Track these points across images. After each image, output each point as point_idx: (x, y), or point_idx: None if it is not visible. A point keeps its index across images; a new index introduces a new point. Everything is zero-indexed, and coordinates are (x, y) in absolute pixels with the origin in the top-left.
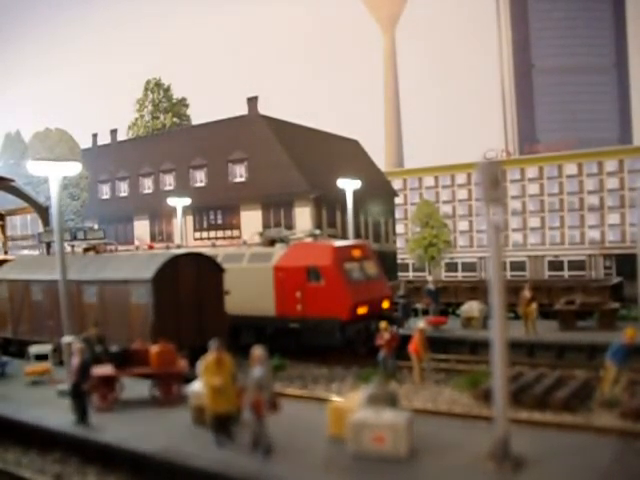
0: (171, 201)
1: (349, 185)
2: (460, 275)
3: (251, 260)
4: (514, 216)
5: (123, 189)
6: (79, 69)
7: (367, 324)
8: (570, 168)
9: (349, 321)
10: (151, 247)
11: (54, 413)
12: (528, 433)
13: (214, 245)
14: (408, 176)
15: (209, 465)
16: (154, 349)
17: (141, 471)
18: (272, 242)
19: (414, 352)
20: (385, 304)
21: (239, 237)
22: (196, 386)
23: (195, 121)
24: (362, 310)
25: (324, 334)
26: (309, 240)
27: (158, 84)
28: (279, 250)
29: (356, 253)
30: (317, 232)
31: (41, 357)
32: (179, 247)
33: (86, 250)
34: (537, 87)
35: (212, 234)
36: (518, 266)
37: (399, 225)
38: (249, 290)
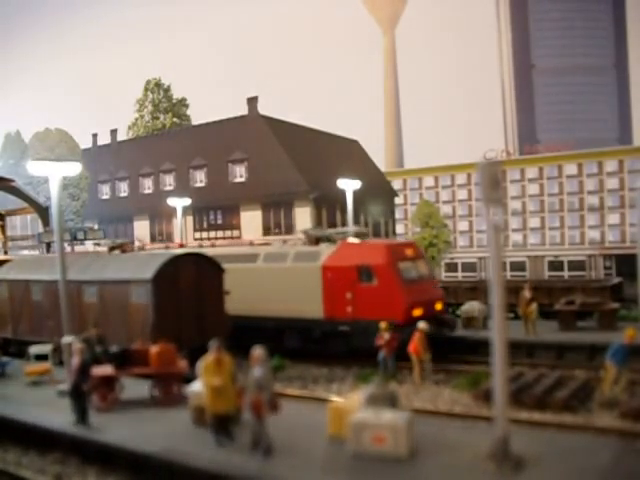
0: (171, 201)
1: (349, 185)
2: (460, 275)
3: (296, 259)
4: (514, 216)
5: (123, 189)
6: (80, 69)
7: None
8: (570, 168)
9: (405, 324)
10: (181, 245)
11: (54, 413)
12: (528, 433)
13: (252, 244)
14: (408, 176)
15: (209, 465)
16: (154, 349)
17: (141, 471)
18: (317, 241)
19: (414, 352)
20: (438, 306)
21: (239, 237)
22: (196, 386)
23: (195, 121)
24: (417, 312)
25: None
26: (354, 239)
27: (158, 84)
28: (327, 249)
29: (409, 252)
30: (364, 230)
31: (41, 357)
32: (213, 246)
33: (112, 249)
34: (537, 87)
35: (212, 234)
36: (518, 266)
37: (399, 225)
38: (293, 291)
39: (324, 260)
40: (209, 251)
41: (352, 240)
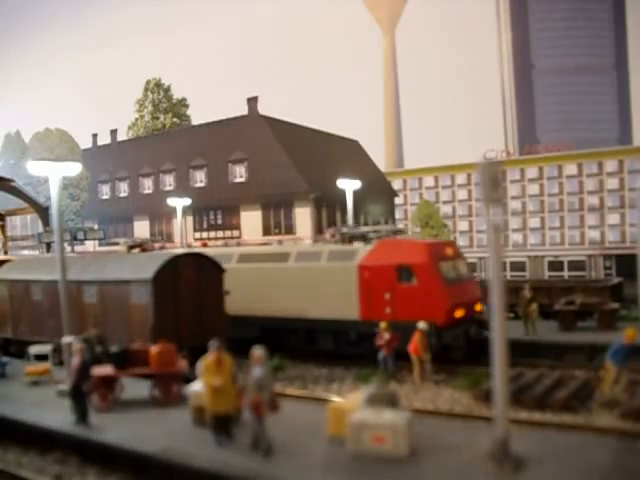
0: (171, 201)
1: (349, 185)
2: None
3: (330, 258)
4: (514, 216)
5: (123, 189)
6: (80, 69)
7: (466, 328)
8: (570, 168)
9: (446, 325)
10: (204, 245)
11: (54, 413)
12: (528, 433)
13: (280, 242)
14: (408, 176)
15: (209, 465)
16: (154, 349)
17: (141, 471)
18: (351, 239)
19: (414, 352)
20: (478, 307)
21: (239, 237)
22: (196, 386)
23: (195, 121)
24: (459, 313)
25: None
26: (388, 237)
27: (158, 84)
28: (363, 247)
29: (449, 251)
30: (400, 227)
31: (41, 357)
32: (238, 245)
33: (131, 248)
34: (537, 87)
35: (212, 234)
36: (518, 266)
37: (399, 225)
38: (327, 291)
39: (361, 259)
40: (237, 250)
41: (392, 238)
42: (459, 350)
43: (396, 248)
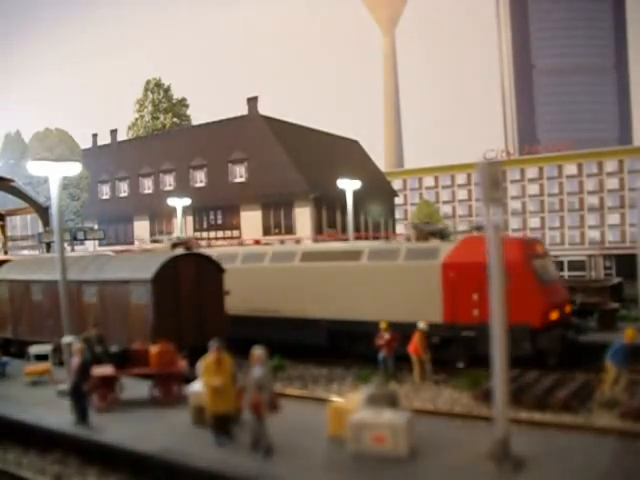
0: (171, 201)
1: (349, 185)
2: None
3: (409, 257)
4: (514, 216)
5: (123, 189)
6: (80, 69)
7: (563, 331)
8: (570, 168)
9: (541, 328)
10: (257, 242)
11: (54, 413)
12: (528, 433)
13: (343, 240)
14: (408, 176)
15: (209, 465)
16: (154, 349)
17: (141, 471)
18: (426, 237)
19: (414, 353)
20: (567, 308)
21: (239, 237)
22: (196, 386)
23: (195, 121)
24: (554, 315)
25: (509, 343)
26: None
27: (158, 84)
28: (445, 245)
29: (539, 249)
30: (482, 224)
31: (41, 357)
32: (297, 241)
33: (174, 246)
34: (537, 87)
35: (212, 234)
36: None
37: (399, 225)
38: (405, 292)
39: (445, 257)
40: (300, 248)
41: (477, 235)
42: (554, 355)
43: (484, 245)
